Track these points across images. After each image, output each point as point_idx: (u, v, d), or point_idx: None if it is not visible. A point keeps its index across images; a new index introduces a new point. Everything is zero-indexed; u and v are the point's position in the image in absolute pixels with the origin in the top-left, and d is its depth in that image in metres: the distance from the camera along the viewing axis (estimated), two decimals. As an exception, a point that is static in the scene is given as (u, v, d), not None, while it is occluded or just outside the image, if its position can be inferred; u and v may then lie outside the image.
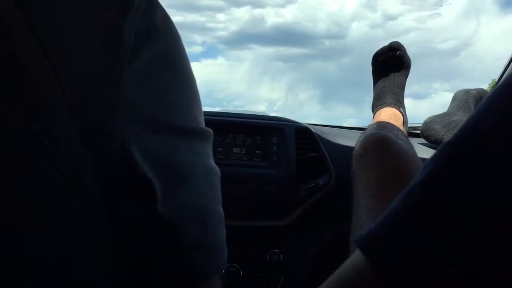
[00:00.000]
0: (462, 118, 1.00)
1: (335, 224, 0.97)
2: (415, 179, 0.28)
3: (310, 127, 1.04)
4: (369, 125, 0.83)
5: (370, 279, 0.28)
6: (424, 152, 1.01)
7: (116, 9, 0.32)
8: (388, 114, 0.87)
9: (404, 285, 0.26)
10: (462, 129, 0.28)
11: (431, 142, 1.06)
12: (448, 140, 0.28)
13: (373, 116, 0.93)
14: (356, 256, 0.30)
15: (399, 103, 0.92)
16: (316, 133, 1.02)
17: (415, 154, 0.62)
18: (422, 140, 1.09)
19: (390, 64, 0.95)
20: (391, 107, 0.90)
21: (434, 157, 0.28)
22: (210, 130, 0.38)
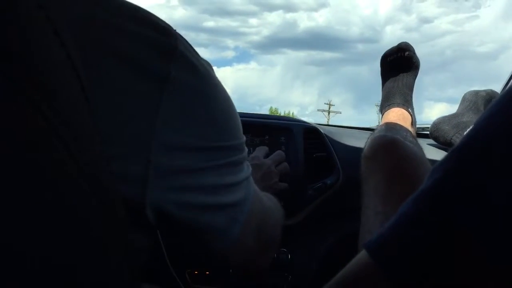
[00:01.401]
0: (471, 119, 0.99)
1: (343, 224, 0.97)
2: (423, 185, 0.28)
3: (318, 127, 1.04)
4: (378, 126, 0.83)
5: (377, 282, 0.28)
6: (433, 153, 1.01)
7: (157, 48, 0.34)
8: (396, 115, 0.87)
9: None
10: (470, 134, 0.28)
11: (440, 143, 1.05)
12: (456, 145, 0.28)
13: (382, 117, 0.93)
14: (364, 257, 0.30)
15: (407, 104, 0.91)
16: (324, 133, 1.02)
17: (423, 156, 0.62)
18: (431, 141, 1.09)
19: (399, 64, 0.95)
20: (400, 107, 0.90)
21: (442, 163, 0.28)
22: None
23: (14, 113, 0.23)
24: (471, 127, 0.29)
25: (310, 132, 1.01)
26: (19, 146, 0.23)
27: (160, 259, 0.93)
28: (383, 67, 0.99)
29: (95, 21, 0.32)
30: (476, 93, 1.06)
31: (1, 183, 0.22)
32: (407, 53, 0.93)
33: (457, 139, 0.97)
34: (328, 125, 1.21)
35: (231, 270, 0.94)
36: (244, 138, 0.44)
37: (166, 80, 0.34)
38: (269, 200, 0.53)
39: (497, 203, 0.24)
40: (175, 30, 0.37)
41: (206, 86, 0.38)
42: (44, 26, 0.27)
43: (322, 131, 1.02)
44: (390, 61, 0.96)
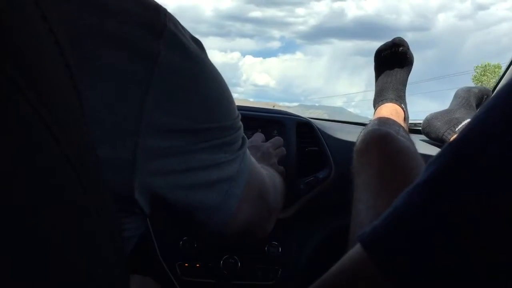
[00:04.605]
0: (463, 115, 1.00)
1: (334, 218, 0.97)
2: (418, 178, 0.28)
3: (311, 121, 1.04)
4: (370, 120, 0.83)
5: (371, 275, 0.28)
6: (425, 148, 1.02)
7: (146, 26, 0.34)
8: (389, 110, 0.88)
9: (406, 282, 0.26)
10: (468, 128, 0.27)
11: (432, 139, 1.06)
12: (453, 140, 0.28)
13: (375, 112, 0.93)
14: (357, 251, 0.30)
15: (400, 99, 0.92)
16: (317, 127, 1.02)
17: (416, 150, 0.63)
18: (424, 137, 1.09)
19: (393, 60, 0.95)
20: (393, 103, 0.90)
21: (438, 157, 0.28)
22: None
23: None
24: (469, 121, 0.28)
25: (303, 126, 1.01)
26: (2, 133, 0.22)
27: (151, 251, 0.93)
28: (377, 62, 0.99)
29: (82, 1, 0.31)
30: (469, 89, 1.06)
31: None
32: (401, 48, 0.93)
33: (448, 135, 0.98)
34: (321, 119, 1.21)
35: (221, 262, 0.94)
36: (238, 114, 0.43)
37: (156, 60, 0.33)
38: (267, 170, 0.53)
39: (494, 198, 0.24)
40: (164, 8, 0.36)
41: (196, 65, 0.37)
42: (33, 11, 0.26)
43: (314, 125, 1.02)
44: (384, 56, 0.96)
